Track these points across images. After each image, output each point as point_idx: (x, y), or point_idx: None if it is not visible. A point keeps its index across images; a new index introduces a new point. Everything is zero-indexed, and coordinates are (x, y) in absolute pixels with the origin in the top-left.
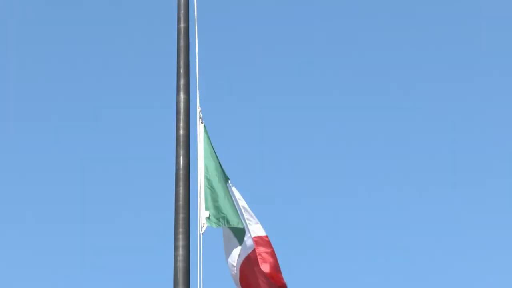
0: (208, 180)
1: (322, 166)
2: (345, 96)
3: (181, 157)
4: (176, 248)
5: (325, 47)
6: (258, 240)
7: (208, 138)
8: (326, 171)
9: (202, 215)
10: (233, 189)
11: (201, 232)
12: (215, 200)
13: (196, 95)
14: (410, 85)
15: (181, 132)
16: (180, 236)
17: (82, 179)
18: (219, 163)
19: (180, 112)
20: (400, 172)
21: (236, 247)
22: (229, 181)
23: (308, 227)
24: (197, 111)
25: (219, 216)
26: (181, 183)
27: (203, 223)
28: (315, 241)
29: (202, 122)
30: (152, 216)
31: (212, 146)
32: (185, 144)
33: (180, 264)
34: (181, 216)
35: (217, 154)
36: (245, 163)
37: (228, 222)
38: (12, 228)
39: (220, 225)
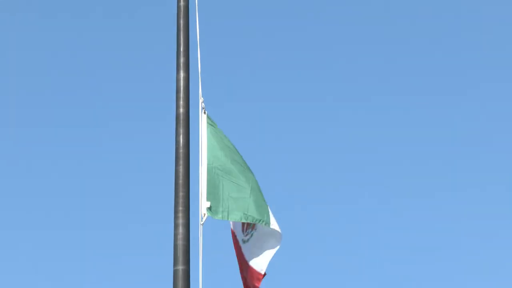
0: (213, 170)
1: (325, 164)
2: (347, 95)
3: (180, 136)
4: (176, 226)
5: (331, 28)
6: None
7: (215, 128)
8: (328, 169)
9: (203, 205)
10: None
11: (201, 223)
12: (218, 191)
13: (198, 83)
14: (410, 85)
15: (181, 110)
16: (180, 215)
17: (80, 161)
18: (233, 152)
19: (180, 90)
20: (401, 173)
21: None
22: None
23: (310, 228)
24: (199, 101)
25: (220, 208)
26: (181, 162)
27: (204, 213)
28: (317, 242)
29: (205, 113)
30: (152, 193)
31: (222, 135)
32: (185, 122)
33: (180, 242)
34: (180, 194)
35: (226, 142)
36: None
37: (231, 215)
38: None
39: (221, 217)
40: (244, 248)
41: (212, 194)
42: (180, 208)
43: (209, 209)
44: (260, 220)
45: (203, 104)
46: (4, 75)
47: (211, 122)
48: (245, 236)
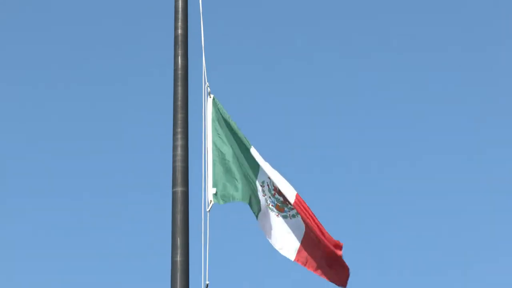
0: (218, 157)
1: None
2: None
3: (179, 57)
4: (174, 147)
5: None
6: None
7: (219, 110)
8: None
9: (209, 192)
10: (256, 155)
11: (208, 210)
12: (223, 177)
13: (203, 66)
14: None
15: (179, 31)
16: (179, 136)
17: (79, 83)
18: (237, 134)
19: (178, 11)
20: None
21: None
22: (251, 149)
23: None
24: (205, 86)
25: (226, 193)
26: (179, 83)
27: (210, 200)
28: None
29: (210, 96)
30: (151, 117)
31: (225, 118)
32: (184, 44)
33: (179, 164)
34: (179, 116)
35: (232, 125)
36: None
37: (234, 197)
38: None
39: (226, 202)
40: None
41: (218, 180)
42: (179, 130)
43: (215, 195)
44: (254, 212)
45: (208, 88)
46: None
47: (216, 106)
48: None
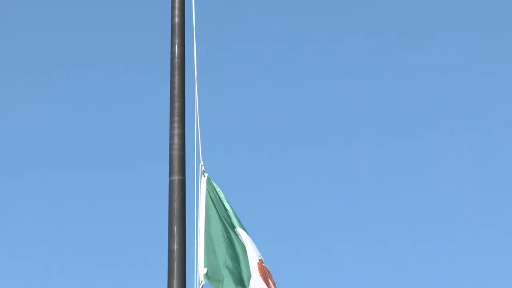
0: (210, 237)
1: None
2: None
3: (176, 46)
4: (171, 136)
5: None
6: None
7: (214, 189)
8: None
9: (200, 271)
10: (244, 238)
11: None
12: (215, 258)
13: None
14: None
15: (176, 20)
16: (176, 125)
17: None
18: (228, 213)
19: None
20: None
21: None
22: (237, 229)
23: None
24: (199, 165)
25: (216, 276)
26: (176, 72)
27: (201, 281)
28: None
29: (204, 175)
30: (146, 110)
31: (219, 196)
32: (180, 32)
33: (176, 153)
34: (176, 105)
35: (226, 205)
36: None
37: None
38: None
39: (217, 286)
40: None
41: (209, 260)
42: (176, 118)
43: (206, 275)
44: None
45: (203, 167)
46: None
47: (210, 185)
48: None
